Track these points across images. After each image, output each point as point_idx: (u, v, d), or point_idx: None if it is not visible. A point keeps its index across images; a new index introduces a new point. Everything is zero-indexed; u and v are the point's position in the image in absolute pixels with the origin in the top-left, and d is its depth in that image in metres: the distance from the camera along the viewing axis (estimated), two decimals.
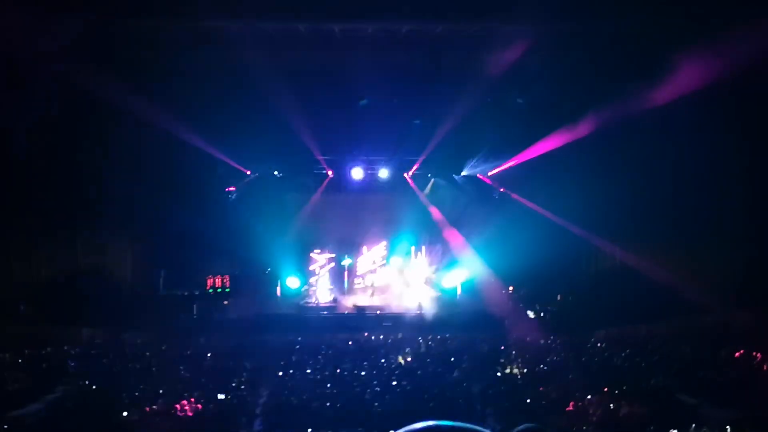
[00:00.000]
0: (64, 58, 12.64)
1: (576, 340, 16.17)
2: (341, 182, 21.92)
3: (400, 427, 1.65)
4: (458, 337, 16.68)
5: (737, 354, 12.89)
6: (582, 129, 16.50)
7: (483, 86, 15.79)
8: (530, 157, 18.98)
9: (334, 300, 21.60)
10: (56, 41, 12.42)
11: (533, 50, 14.25)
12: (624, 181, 17.16)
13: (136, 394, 11.09)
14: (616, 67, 14.47)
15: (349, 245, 22.33)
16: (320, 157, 20.90)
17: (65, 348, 14.85)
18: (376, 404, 10.83)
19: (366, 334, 17.51)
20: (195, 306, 19.92)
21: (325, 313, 20.72)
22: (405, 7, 12.65)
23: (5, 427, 9.11)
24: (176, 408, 10.36)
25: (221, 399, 11.10)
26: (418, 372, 13.02)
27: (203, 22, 13.09)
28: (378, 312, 20.27)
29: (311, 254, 21.98)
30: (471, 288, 21.02)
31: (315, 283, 21.81)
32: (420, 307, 20.17)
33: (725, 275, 15.56)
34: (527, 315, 19.67)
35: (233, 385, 12.07)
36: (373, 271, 22.39)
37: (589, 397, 10.53)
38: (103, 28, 13.07)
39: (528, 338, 16.67)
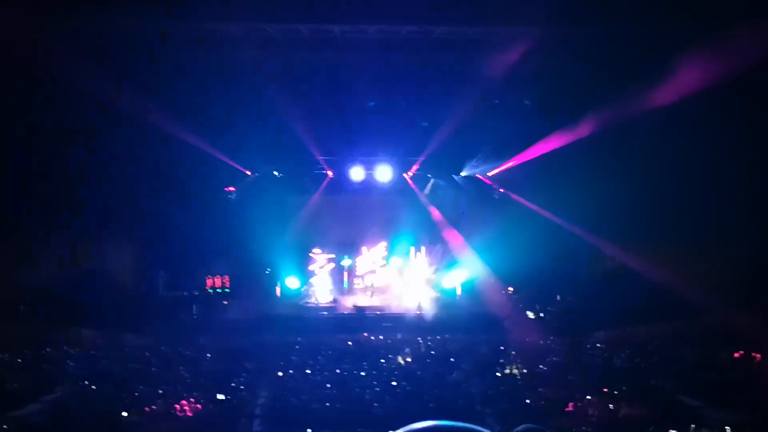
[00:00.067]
0: (64, 58, 12.62)
1: (576, 341, 16.17)
2: (341, 182, 21.93)
3: (399, 428, 1.65)
4: (458, 338, 16.69)
5: (737, 355, 12.89)
6: (582, 130, 16.49)
7: (483, 87, 15.79)
8: (530, 158, 18.98)
9: (334, 300, 21.59)
10: (56, 41, 12.41)
11: (533, 52, 14.23)
12: (623, 182, 17.13)
13: (136, 394, 11.10)
14: (616, 68, 14.46)
15: (348, 246, 22.34)
16: (320, 158, 20.91)
17: (65, 349, 14.85)
18: (376, 405, 10.85)
19: (366, 334, 17.51)
20: (195, 306, 19.92)
21: (325, 313, 20.70)
22: (405, 9, 12.66)
23: (5, 427, 9.12)
24: (176, 408, 10.38)
25: (221, 399, 11.11)
26: (418, 372, 13.04)
27: (204, 23, 13.10)
28: (378, 312, 20.27)
29: (311, 254, 21.99)
30: (471, 289, 21.02)
31: (315, 283, 21.82)
32: (420, 308, 20.16)
33: (725, 276, 15.53)
34: (527, 316, 19.66)
35: (233, 385, 12.07)
36: (372, 272, 22.39)
37: (588, 397, 10.54)
38: (105, 28, 13.07)
39: (528, 339, 16.67)
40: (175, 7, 12.14)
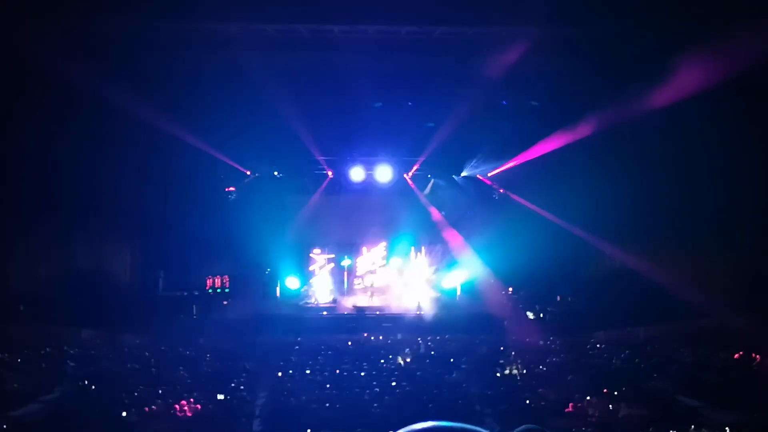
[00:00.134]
0: (62, 58, 12.62)
1: (575, 342, 16.16)
2: (341, 183, 21.96)
3: (399, 428, 1.65)
4: (458, 338, 16.67)
5: (737, 356, 12.89)
6: (581, 130, 16.49)
7: (483, 87, 15.78)
8: (530, 158, 18.98)
9: (334, 300, 21.58)
10: (56, 41, 12.41)
11: (533, 52, 14.23)
12: (623, 182, 17.14)
13: (136, 394, 11.08)
14: (616, 68, 14.46)
15: (348, 246, 22.34)
16: (320, 158, 20.91)
17: (64, 348, 14.83)
18: (376, 405, 10.84)
19: (365, 334, 17.51)
20: (194, 306, 19.91)
21: (325, 313, 20.69)
22: (405, 9, 12.66)
23: (4, 427, 9.10)
24: (176, 408, 10.36)
25: (221, 399, 11.10)
26: (418, 373, 13.03)
27: (204, 23, 13.10)
28: (377, 313, 20.27)
29: (311, 254, 21.98)
30: (471, 289, 21.01)
31: (314, 283, 21.81)
32: (419, 308, 20.16)
33: (725, 277, 15.53)
34: (527, 316, 19.67)
35: (232, 385, 12.06)
36: (372, 272, 22.38)
37: (588, 398, 10.53)
38: (104, 28, 13.07)
39: (527, 339, 16.66)
40: (174, 7, 12.14)
